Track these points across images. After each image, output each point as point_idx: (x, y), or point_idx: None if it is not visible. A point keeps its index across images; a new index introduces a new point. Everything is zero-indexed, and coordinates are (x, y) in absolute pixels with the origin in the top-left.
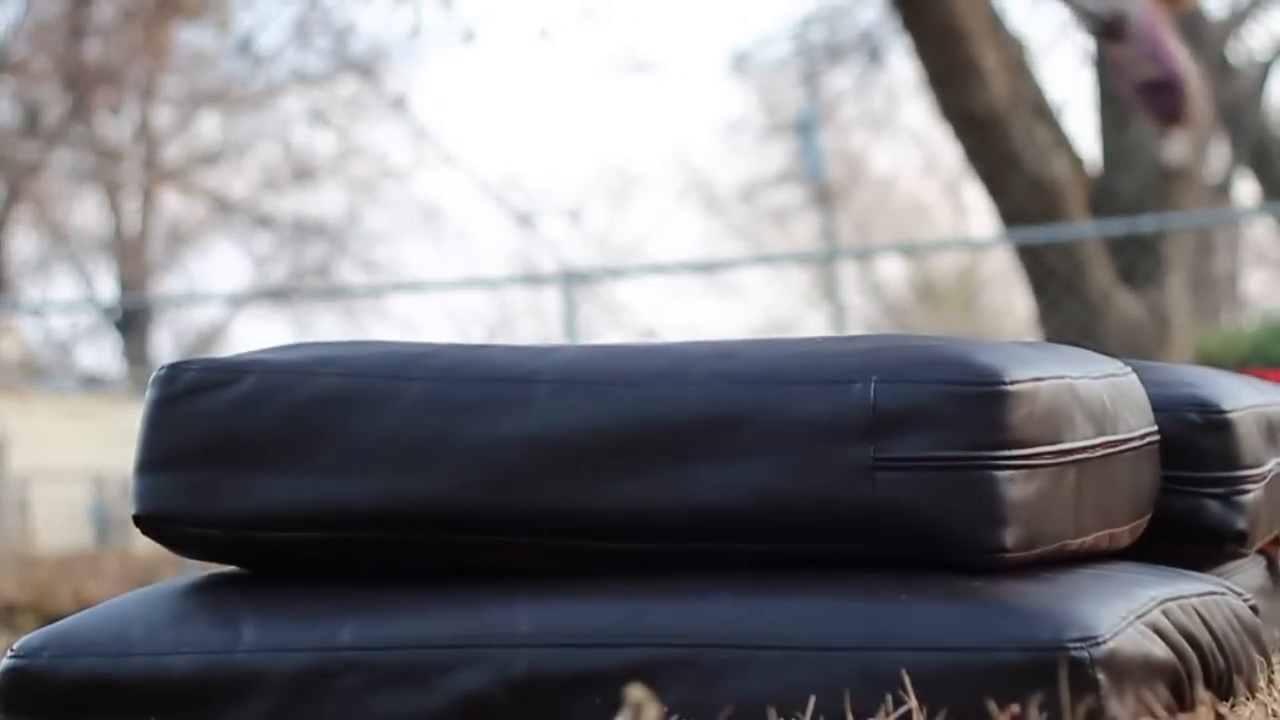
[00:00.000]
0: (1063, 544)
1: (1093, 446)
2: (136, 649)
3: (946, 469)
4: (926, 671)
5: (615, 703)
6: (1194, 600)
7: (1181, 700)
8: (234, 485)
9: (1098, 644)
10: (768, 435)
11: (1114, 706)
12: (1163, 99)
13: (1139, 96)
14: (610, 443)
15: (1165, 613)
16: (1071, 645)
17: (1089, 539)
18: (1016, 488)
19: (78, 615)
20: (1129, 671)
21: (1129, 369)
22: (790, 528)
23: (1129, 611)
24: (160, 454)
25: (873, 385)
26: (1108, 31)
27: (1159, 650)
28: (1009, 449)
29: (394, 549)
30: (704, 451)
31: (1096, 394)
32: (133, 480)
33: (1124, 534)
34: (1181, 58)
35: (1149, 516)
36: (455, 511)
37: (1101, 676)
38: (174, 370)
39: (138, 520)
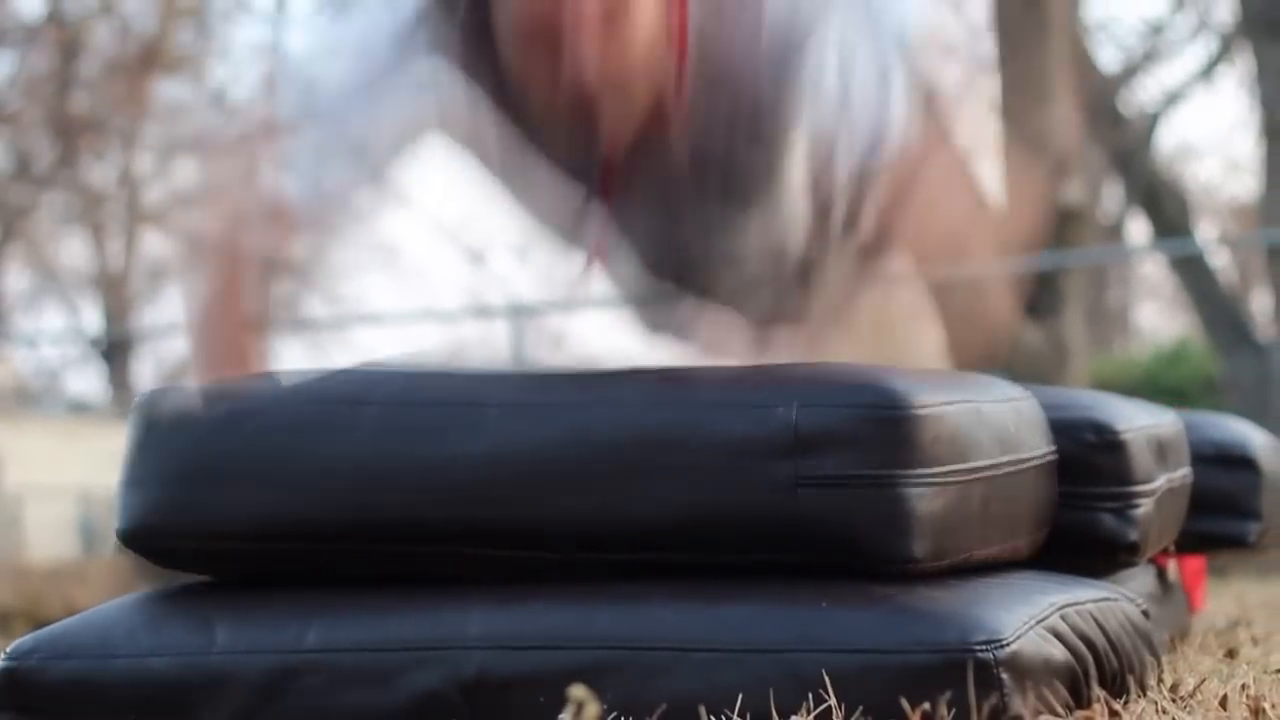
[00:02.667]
0: (969, 555)
1: (997, 465)
2: (119, 651)
3: (862, 486)
4: (844, 671)
5: (558, 701)
6: (1090, 606)
7: (1078, 699)
8: (209, 502)
9: (1001, 646)
10: (699, 455)
11: (1016, 704)
12: None
13: None
14: (554, 461)
15: (1063, 617)
16: (977, 647)
17: (993, 550)
18: (925, 503)
19: (66, 620)
20: (1030, 672)
21: (1029, 394)
22: (719, 540)
23: (1030, 616)
24: (141, 473)
25: (795, 409)
26: None
27: (1058, 652)
28: (919, 468)
29: (356, 560)
30: (640, 469)
31: (1000, 417)
32: (117, 497)
33: (1025, 546)
34: None
35: (1048, 530)
36: (410, 526)
37: (1005, 676)
38: (154, 396)
39: (121, 535)
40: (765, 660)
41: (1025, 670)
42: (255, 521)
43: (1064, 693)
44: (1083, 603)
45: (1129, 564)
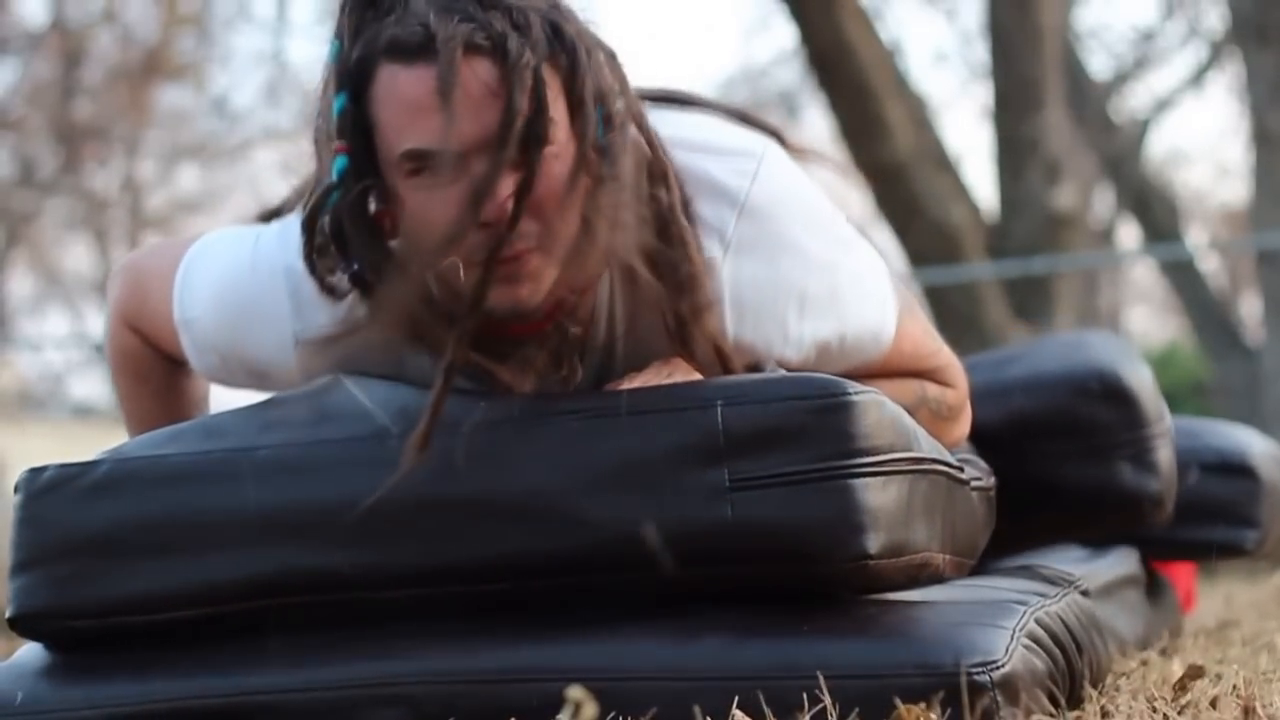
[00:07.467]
0: (925, 554)
1: (936, 461)
2: (50, 706)
3: (802, 482)
4: (835, 698)
5: None
6: (1052, 605)
7: (1055, 703)
8: (101, 574)
9: (997, 667)
10: (625, 468)
11: None
12: None
13: None
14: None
15: (1038, 621)
16: (973, 670)
17: (948, 556)
18: (874, 494)
19: None
20: (1020, 688)
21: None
22: (654, 557)
23: (1013, 627)
24: (27, 554)
25: (719, 409)
26: None
27: (1040, 662)
28: (861, 456)
29: (270, 615)
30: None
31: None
32: (7, 585)
33: (965, 566)
34: None
35: (973, 563)
36: (318, 574)
37: (1000, 697)
38: (34, 472)
39: (12, 622)
40: (750, 688)
41: (1016, 687)
42: (152, 589)
43: (1045, 702)
44: (1047, 600)
45: (1156, 520)
